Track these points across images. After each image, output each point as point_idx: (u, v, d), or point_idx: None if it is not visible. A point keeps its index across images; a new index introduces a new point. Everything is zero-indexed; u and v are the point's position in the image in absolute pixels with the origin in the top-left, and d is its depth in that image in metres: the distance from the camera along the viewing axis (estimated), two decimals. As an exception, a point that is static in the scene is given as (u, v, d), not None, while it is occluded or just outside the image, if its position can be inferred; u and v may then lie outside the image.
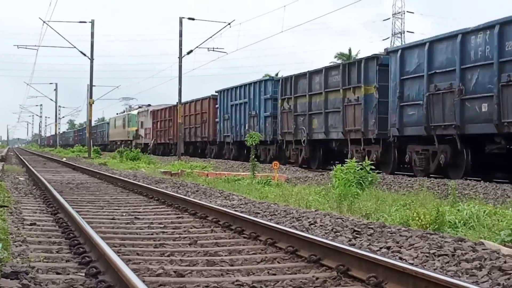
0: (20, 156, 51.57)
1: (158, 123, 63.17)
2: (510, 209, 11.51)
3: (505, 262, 6.37)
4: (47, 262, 6.95)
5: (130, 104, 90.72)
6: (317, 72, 31.40)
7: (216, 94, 47.34)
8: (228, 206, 12.49)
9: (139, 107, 79.65)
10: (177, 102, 48.64)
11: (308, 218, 10.33)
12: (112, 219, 11.05)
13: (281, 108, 34.89)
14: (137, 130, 73.43)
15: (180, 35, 45.04)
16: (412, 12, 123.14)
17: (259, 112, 38.65)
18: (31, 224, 9.86)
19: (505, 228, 9.21)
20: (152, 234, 9.31)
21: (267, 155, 38.22)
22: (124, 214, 11.85)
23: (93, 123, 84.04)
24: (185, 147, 52.59)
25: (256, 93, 39.29)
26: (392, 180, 21.09)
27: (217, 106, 46.71)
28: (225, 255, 7.57)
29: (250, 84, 40.91)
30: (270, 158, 36.69)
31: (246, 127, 39.78)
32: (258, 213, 11.40)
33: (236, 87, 43.07)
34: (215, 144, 47.24)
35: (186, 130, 52.75)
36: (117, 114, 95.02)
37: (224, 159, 43.54)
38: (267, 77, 37.79)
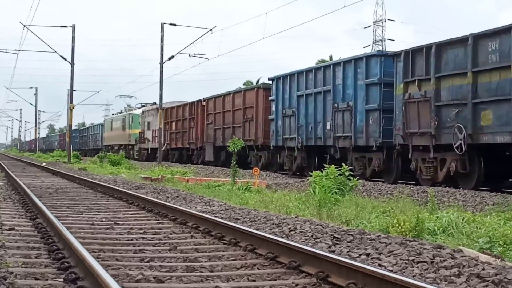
0: (-1, 161, 51.26)
1: (173, 123, 52.31)
2: (488, 216, 11.59)
3: (483, 269, 6.41)
4: (25, 267, 6.90)
5: (129, 103, 78.36)
6: (494, 34, 19.25)
7: (270, 82, 35.07)
8: (208, 212, 12.48)
9: (142, 106, 68.65)
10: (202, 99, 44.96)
11: (288, 224, 10.34)
12: (92, 224, 10.99)
13: (404, 96, 22.89)
14: (141, 133, 62.05)
15: (162, 41, 45.10)
16: (393, 20, 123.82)
17: (354, 105, 26.11)
18: (9, 229, 9.78)
19: (484, 236, 9.28)
20: (131, 240, 9.28)
21: (367, 166, 26.04)
22: (103, 219, 11.80)
23: (73, 128, 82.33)
24: (214, 153, 42.59)
25: (349, 76, 26.76)
26: (372, 187, 21.15)
27: (271, 98, 34.15)
28: (205, 261, 7.56)
29: (335, 64, 28.54)
30: (371, 172, 25.82)
31: (328, 127, 28.29)
32: (238, 219, 11.39)
33: (308, 70, 30.62)
34: (266, 149, 35.43)
35: (218, 131, 41.72)
36: (113, 114, 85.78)
37: (282, 171, 32.86)
38: (374, 52, 25.29)
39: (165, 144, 52.94)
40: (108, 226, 10.73)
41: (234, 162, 24.60)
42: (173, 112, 52.72)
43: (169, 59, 45.88)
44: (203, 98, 45.84)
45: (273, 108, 33.70)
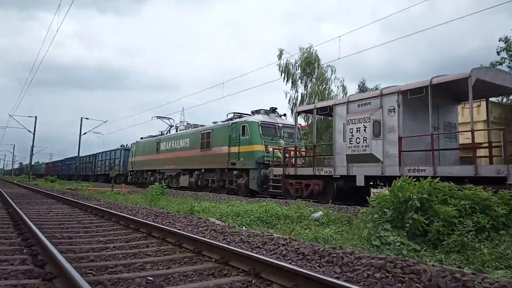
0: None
1: None
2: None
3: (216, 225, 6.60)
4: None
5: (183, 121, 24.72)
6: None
7: None
8: (99, 205, 11.68)
9: (250, 113, 13.79)
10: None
11: (134, 209, 9.89)
12: (38, 211, 9.50)
13: None
14: (285, 151, 10.54)
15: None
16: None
17: None
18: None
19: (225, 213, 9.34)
20: (56, 216, 8.28)
21: None
22: (44, 209, 10.36)
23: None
24: None
25: None
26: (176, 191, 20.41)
27: None
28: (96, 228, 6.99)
29: None
30: None
31: None
32: (112, 207, 10.79)
33: None
34: None
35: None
36: (142, 138, 23.24)
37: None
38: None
39: None
40: (46, 212, 9.63)
41: (112, 181, 22.94)
42: None
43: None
44: None
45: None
